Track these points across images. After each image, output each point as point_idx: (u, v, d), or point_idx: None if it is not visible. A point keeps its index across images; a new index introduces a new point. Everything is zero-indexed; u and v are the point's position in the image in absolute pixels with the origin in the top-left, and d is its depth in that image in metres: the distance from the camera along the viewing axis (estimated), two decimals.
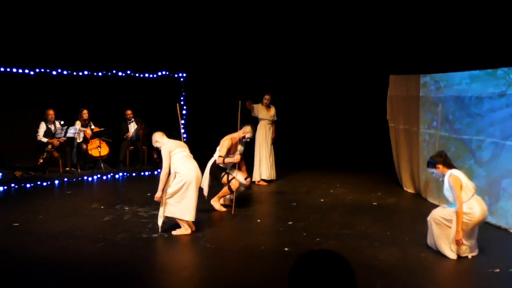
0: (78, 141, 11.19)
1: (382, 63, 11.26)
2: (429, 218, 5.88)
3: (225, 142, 7.81)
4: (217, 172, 7.82)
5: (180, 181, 6.46)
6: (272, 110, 10.28)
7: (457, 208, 5.54)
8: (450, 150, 7.89)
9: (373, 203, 8.52)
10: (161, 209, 6.52)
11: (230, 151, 7.85)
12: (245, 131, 8.02)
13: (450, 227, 5.64)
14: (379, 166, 11.39)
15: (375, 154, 11.87)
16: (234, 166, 7.89)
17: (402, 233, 6.66)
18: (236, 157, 7.81)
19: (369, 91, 12.05)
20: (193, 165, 6.63)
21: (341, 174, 11.26)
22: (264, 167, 10.13)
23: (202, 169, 7.26)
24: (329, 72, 13.02)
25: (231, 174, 7.82)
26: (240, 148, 8.00)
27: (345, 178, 10.77)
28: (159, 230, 6.54)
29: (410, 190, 9.44)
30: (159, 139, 6.71)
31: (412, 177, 9.32)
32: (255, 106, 10.12)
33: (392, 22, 10.95)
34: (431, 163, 5.90)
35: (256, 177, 10.07)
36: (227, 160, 7.76)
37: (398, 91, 9.55)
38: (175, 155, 6.52)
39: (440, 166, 5.80)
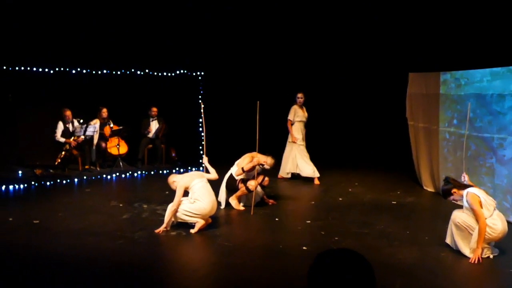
0: (95, 141, 11.24)
1: (401, 61, 11.15)
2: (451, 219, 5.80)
3: (246, 159, 7.94)
4: (233, 185, 7.92)
5: (198, 209, 6.55)
6: (305, 110, 10.24)
7: (479, 224, 5.45)
8: (470, 148, 7.79)
9: (392, 202, 8.44)
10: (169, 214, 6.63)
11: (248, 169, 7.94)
12: (267, 162, 7.95)
13: (471, 234, 5.56)
14: (398, 164, 11.27)
15: (394, 152, 11.75)
16: (253, 177, 7.89)
17: (421, 232, 6.59)
18: (256, 160, 7.80)
19: (388, 89, 11.94)
20: (212, 198, 6.72)
21: (359, 172, 11.17)
22: (289, 165, 10.08)
23: (218, 170, 7.27)
24: (348, 70, 12.93)
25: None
26: (257, 167, 7.98)
27: (363, 176, 10.68)
28: (167, 228, 6.58)
29: (429, 189, 9.33)
30: (174, 179, 6.80)
31: (431, 176, 9.21)
32: (291, 110, 10.04)
33: (412, 19, 10.83)
34: (446, 192, 5.83)
35: (281, 173, 10.10)
36: (247, 167, 7.79)
37: (418, 89, 9.45)
38: (194, 186, 6.62)
39: (456, 190, 5.74)
